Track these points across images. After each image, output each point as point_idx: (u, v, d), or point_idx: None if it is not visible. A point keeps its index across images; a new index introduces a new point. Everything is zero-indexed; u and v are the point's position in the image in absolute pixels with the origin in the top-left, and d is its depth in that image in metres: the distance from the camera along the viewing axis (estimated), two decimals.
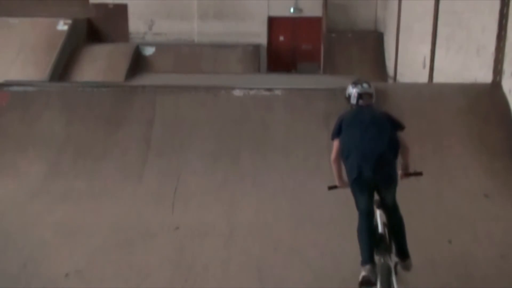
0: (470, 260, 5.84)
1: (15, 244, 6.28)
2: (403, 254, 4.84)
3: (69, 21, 17.89)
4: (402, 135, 5.05)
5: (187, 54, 18.74)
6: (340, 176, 5.10)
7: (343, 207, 7.01)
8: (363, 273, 4.62)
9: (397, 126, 5.05)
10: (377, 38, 19.57)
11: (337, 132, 5.00)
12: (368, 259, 4.65)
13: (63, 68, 16.92)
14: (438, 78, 12.18)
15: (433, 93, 9.15)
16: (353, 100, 5.09)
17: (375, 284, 4.53)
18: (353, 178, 4.73)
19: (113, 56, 17.85)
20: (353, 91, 5.10)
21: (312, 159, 7.94)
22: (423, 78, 13.07)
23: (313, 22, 20.04)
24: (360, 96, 5.05)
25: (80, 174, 7.85)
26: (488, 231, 6.46)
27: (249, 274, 5.65)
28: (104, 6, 20.04)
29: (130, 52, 18.16)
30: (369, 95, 5.08)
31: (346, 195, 7.10)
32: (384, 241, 4.81)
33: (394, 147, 4.84)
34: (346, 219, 6.78)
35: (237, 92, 8.74)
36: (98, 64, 17.25)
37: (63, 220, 6.83)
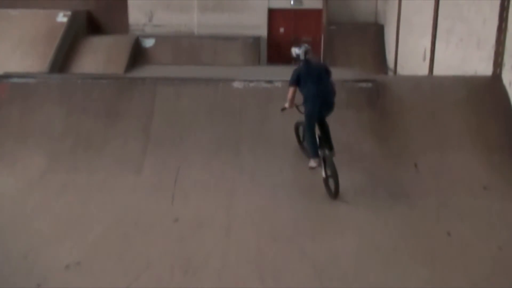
0: (469, 253, 5.86)
1: (15, 235, 6.30)
2: (331, 147, 7.15)
3: (69, 13, 17.80)
4: (332, 79, 7.23)
5: (187, 46, 18.65)
6: (292, 102, 7.10)
7: (343, 199, 7.06)
8: (313, 164, 7.16)
9: (330, 73, 7.25)
10: (378, 31, 19.48)
11: (295, 82, 7.03)
12: (315, 154, 7.14)
13: (63, 60, 16.85)
14: (438, 71, 12.15)
15: (433, 85, 9.14)
16: (302, 57, 7.07)
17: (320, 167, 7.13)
18: (311, 114, 7.04)
19: (112, 48, 17.77)
20: (300, 50, 7.08)
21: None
22: (423, 71, 13.05)
23: (314, 14, 19.94)
24: (306, 52, 7.07)
25: (79, 166, 7.85)
26: (487, 224, 6.49)
27: (248, 266, 5.66)
28: None
29: (129, 44, 18.08)
30: (311, 51, 7.17)
31: (349, 190, 7.15)
32: (321, 142, 7.16)
33: (332, 89, 7.13)
34: (346, 211, 6.82)
35: (237, 84, 8.73)
36: (98, 56, 17.18)
37: (63, 212, 6.85)
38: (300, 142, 8.00)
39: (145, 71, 14.36)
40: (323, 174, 7.14)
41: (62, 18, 17.76)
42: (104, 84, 8.93)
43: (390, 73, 17.42)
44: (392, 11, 17.75)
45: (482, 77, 9.13)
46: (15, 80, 8.97)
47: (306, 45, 7.21)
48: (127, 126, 8.35)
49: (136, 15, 20.12)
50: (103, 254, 5.91)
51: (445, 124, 8.24)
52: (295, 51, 7.13)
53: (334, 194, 6.97)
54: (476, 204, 6.94)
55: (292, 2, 19.99)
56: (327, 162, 7.04)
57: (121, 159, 7.92)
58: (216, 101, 8.64)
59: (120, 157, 7.96)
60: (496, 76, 8.79)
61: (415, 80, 10.02)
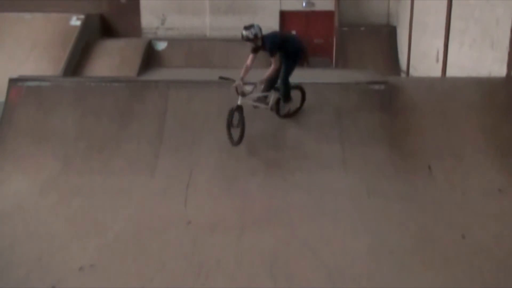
0: (484, 255, 5.81)
1: (29, 237, 6.35)
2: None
3: (82, 17, 17.95)
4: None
5: (199, 49, 18.74)
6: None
7: (356, 202, 7.03)
8: (291, 109, 8.18)
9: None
10: (390, 32, 19.43)
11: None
12: (291, 98, 8.07)
13: (76, 63, 16.99)
14: (451, 72, 12.08)
15: (446, 87, 9.07)
16: (260, 34, 7.47)
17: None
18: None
19: (125, 51, 17.89)
20: (258, 28, 7.45)
21: (324, 153, 7.93)
22: (437, 72, 12.98)
23: (326, 16, 19.95)
24: (260, 29, 7.52)
25: (93, 169, 7.90)
26: (502, 226, 6.42)
27: (261, 269, 5.66)
28: (117, 1, 20.07)
29: (142, 47, 18.19)
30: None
31: (362, 192, 7.12)
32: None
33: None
34: (359, 214, 6.79)
35: (249, 87, 8.73)
36: (111, 59, 17.30)
37: (76, 214, 6.89)
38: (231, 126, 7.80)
39: (158, 74, 14.44)
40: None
41: (75, 21, 17.91)
42: (117, 87, 8.98)
43: (403, 75, 17.36)
44: (404, 12, 17.68)
45: (496, 78, 9.05)
46: (30, 83, 9.04)
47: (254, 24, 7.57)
48: (140, 129, 8.38)
49: (148, 18, 20.25)
50: (117, 257, 5.94)
51: (459, 126, 8.18)
52: (255, 30, 7.44)
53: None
54: (491, 206, 6.88)
55: (304, 4, 19.99)
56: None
57: (134, 162, 7.96)
58: (228, 104, 8.63)
59: (133, 159, 8.00)
60: (511, 77, 8.71)
61: (428, 82, 9.96)
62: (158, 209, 6.99)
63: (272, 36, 7.70)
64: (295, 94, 8.18)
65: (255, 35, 7.44)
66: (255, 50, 7.63)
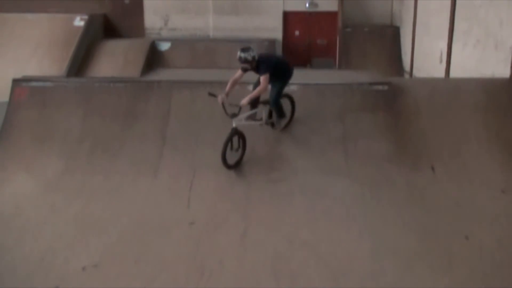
0: (487, 256, 5.80)
1: (33, 237, 6.37)
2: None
3: (86, 17, 17.97)
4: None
5: (203, 49, 18.74)
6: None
7: (360, 203, 7.02)
8: (285, 121, 8.20)
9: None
10: (393, 33, 19.39)
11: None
12: (285, 113, 8.06)
13: (80, 63, 17.01)
14: (455, 73, 12.06)
15: (450, 88, 9.06)
16: (257, 57, 7.40)
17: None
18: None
19: (129, 51, 17.90)
20: (255, 51, 7.37)
21: (327, 154, 7.92)
22: (440, 73, 12.95)
23: (329, 16, 19.92)
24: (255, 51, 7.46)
25: (96, 169, 7.91)
26: (505, 228, 6.41)
27: (264, 270, 5.66)
28: (120, 1, 20.08)
29: (146, 48, 18.20)
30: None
31: (365, 193, 7.11)
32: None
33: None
34: (362, 214, 6.79)
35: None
36: (115, 60, 17.31)
37: (80, 215, 6.91)
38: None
39: (161, 75, 14.45)
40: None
41: (79, 22, 17.93)
42: (121, 88, 9.00)
43: (406, 76, 17.33)
44: (408, 13, 17.65)
45: (500, 79, 9.03)
46: (33, 84, 9.07)
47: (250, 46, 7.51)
48: (143, 129, 8.40)
49: (152, 18, 20.27)
50: (120, 257, 5.95)
51: (462, 127, 8.17)
52: (252, 53, 7.34)
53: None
54: (495, 207, 6.86)
55: (307, 5, 19.98)
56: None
57: (137, 162, 7.97)
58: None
59: (136, 160, 8.00)
60: None
61: (432, 83, 9.95)
62: (161, 209, 7.00)
63: (268, 60, 7.68)
64: (285, 104, 8.14)
65: (253, 57, 7.37)
66: (245, 69, 7.51)
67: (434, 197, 7.11)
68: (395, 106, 8.48)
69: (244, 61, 7.34)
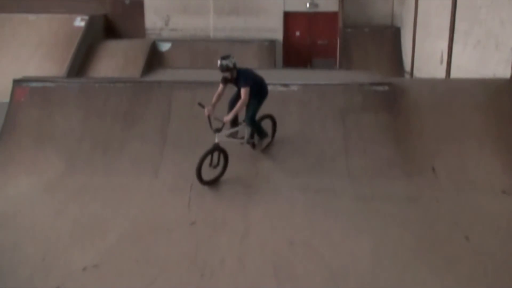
0: (488, 257, 5.80)
1: (33, 238, 6.37)
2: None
3: (86, 17, 17.98)
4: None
5: (203, 50, 18.73)
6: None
7: (360, 203, 7.02)
8: (267, 142, 8.06)
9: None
10: (394, 33, 19.38)
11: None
12: (266, 133, 7.98)
13: (81, 64, 17.02)
14: (455, 74, 12.05)
15: (450, 88, 9.06)
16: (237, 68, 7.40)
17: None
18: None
19: (129, 52, 17.91)
20: (235, 60, 7.36)
21: (328, 154, 7.93)
22: (441, 74, 12.95)
23: (329, 17, 19.91)
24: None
25: (97, 169, 7.92)
26: (506, 228, 6.41)
27: (265, 270, 5.66)
28: (121, 2, 20.09)
29: (146, 48, 18.20)
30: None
31: (366, 193, 7.11)
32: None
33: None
34: (362, 215, 6.79)
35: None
36: (115, 60, 17.32)
37: (80, 214, 6.91)
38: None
39: (162, 75, 14.45)
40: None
41: (79, 22, 17.94)
42: (121, 88, 9.01)
43: (407, 76, 17.33)
44: (408, 14, 17.65)
45: (501, 80, 9.03)
46: (34, 84, 9.08)
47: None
48: (144, 129, 8.40)
49: (152, 19, 20.27)
50: (120, 257, 5.95)
51: (463, 128, 8.17)
52: (232, 60, 7.33)
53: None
54: (495, 208, 6.86)
55: (307, 5, 19.97)
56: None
57: (138, 162, 7.97)
58: None
59: (137, 160, 8.01)
60: None
61: (432, 83, 9.95)
62: (162, 209, 7.01)
63: (247, 73, 7.59)
64: (267, 124, 8.08)
65: (234, 64, 7.33)
66: (225, 81, 7.48)
67: (435, 197, 7.11)
68: (396, 106, 8.48)
69: (226, 68, 7.30)
